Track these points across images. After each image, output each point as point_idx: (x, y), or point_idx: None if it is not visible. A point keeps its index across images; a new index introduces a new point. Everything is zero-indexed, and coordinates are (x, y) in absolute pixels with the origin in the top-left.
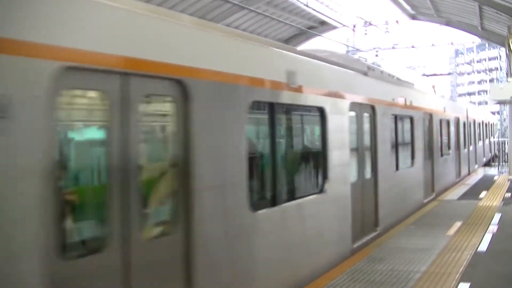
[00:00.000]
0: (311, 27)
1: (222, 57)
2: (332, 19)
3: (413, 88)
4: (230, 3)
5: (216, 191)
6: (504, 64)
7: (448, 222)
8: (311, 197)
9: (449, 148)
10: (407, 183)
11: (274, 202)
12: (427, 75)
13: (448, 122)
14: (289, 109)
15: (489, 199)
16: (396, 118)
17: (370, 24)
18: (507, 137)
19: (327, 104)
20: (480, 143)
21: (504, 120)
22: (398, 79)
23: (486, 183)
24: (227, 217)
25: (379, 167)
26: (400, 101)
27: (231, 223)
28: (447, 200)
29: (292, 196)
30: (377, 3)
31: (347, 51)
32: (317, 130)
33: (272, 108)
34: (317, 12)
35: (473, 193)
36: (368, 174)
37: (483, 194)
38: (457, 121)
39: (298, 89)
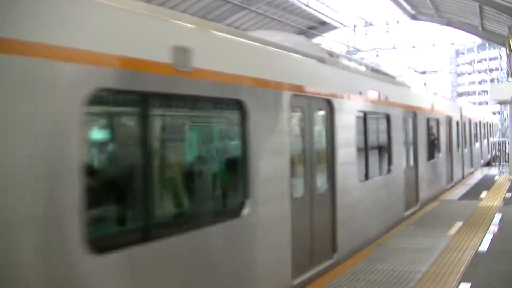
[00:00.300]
0: (311, 27)
1: (19, 17)
2: (333, 19)
3: (392, 82)
4: (230, 3)
5: (15, 226)
6: (504, 64)
7: (448, 222)
8: (220, 225)
9: (438, 150)
10: (382, 194)
11: (145, 238)
12: (420, 72)
13: (437, 121)
14: (180, 101)
15: (489, 199)
16: (365, 115)
17: (371, 24)
18: (508, 137)
19: (248, 95)
20: (477, 144)
21: (505, 120)
22: (373, 70)
23: (487, 183)
24: (38, 266)
25: (338, 176)
26: (372, 95)
27: (46, 277)
28: (448, 200)
29: (183, 226)
30: (378, 3)
31: (348, 51)
32: (234, 131)
33: (145, 101)
34: (318, 12)
35: (473, 193)
36: (322, 186)
37: (483, 194)
38: (449, 120)
39: (195, 74)
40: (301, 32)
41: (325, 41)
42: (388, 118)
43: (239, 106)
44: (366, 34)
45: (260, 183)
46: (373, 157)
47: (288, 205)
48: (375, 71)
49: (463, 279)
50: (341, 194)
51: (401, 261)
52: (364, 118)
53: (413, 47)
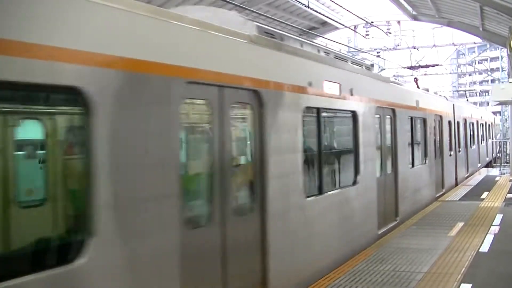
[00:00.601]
0: (312, 28)
1: None
2: (334, 20)
3: (362, 73)
4: (231, 4)
5: None
6: (505, 64)
7: (450, 222)
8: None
9: (425, 154)
10: (343, 211)
11: None
12: (414, 67)
13: (424, 121)
14: None
15: (490, 200)
16: (318, 113)
17: (372, 24)
18: (509, 138)
19: (96, 82)
20: (474, 146)
21: (506, 120)
22: (337, 57)
23: (488, 184)
24: None
25: (270, 193)
26: (329, 87)
27: None
28: (449, 200)
29: None
30: (379, 4)
31: (348, 52)
32: (67, 133)
33: None
34: (318, 13)
35: (474, 193)
36: (244, 206)
37: (484, 194)
38: (439, 120)
39: None
40: (302, 33)
41: (326, 41)
42: (354, 116)
43: (77, 97)
44: (367, 35)
45: (119, 210)
46: (331, 166)
47: (176, 238)
48: (341, 59)
49: (464, 280)
50: (276, 215)
51: (402, 262)
52: (317, 116)
53: (414, 47)
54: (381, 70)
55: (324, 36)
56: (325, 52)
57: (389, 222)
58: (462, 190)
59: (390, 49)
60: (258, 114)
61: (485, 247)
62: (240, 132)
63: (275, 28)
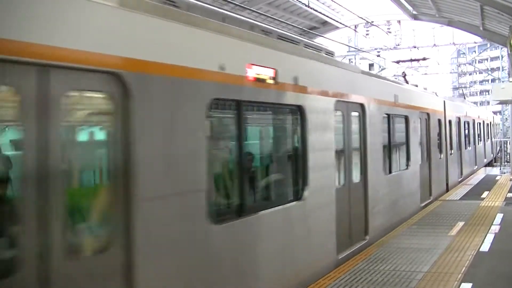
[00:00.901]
0: (312, 28)
1: None
2: (334, 20)
3: (318, 58)
4: (231, 3)
5: None
6: (505, 64)
7: (450, 222)
8: None
9: (407, 157)
10: (281, 238)
11: None
12: (400, 61)
13: (406, 120)
14: None
15: (491, 199)
16: (239, 108)
17: (372, 24)
18: (509, 137)
19: None
20: (470, 147)
21: (506, 119)
22: (281, 38)
23: (488, 183)
24: None
25: (141, 222)
26: (256, 73)
27: None
28: (449, 200)
29: None
30: (379, 3)
31: (349, 51)
32: None
33: None
34: (319, 13)
35: (475, 193)
36: (91, 244)
37: (485, 194)
38: (426, 118)
39: None
40: (302, 33)
41: (326, 41)
42: (300, 112)
43: None
44: (367, 34)
45: None
46: (262, 178)
47: None
48: (287, 41)
49: (465, 279)
50: (154, 252)
51: (402, 261)
52: (237, 112)
53: (414, 47)
54: (382, 69)
55: (324, 35)
56: (263, 30)
57: (355, 243)
58: (462, 190)
59: (390, 48)
60: (122, 109)
61: (485, 247)
62: (83, 134)
63: (276, 28)
